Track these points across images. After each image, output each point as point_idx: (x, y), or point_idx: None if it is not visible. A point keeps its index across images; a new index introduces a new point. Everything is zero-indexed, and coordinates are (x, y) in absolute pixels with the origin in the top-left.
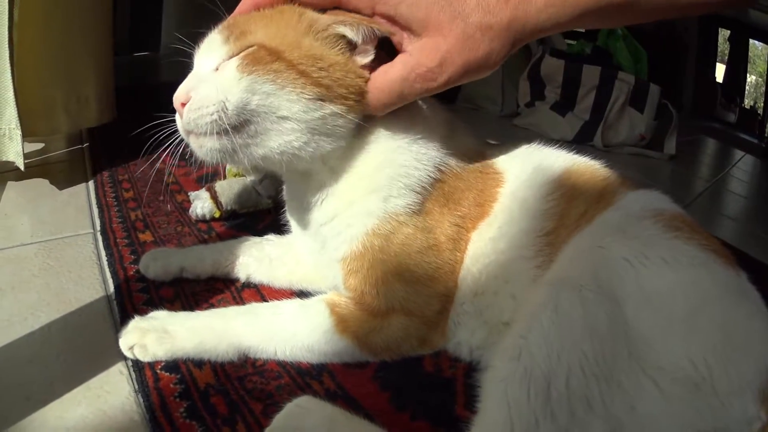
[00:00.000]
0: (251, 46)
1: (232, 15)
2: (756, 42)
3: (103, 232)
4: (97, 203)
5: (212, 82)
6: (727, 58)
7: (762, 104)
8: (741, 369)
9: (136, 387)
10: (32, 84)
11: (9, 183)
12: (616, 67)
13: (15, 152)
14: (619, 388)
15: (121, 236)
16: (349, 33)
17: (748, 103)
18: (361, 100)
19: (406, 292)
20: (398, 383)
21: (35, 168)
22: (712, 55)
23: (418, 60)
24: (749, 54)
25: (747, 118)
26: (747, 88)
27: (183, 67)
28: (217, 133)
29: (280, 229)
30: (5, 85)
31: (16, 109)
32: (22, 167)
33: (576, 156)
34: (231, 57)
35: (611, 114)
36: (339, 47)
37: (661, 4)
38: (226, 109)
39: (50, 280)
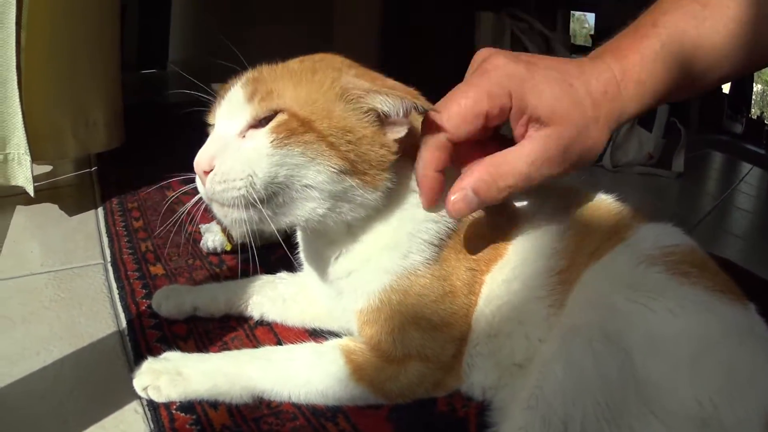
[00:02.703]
0: (279, 111)
1: (257, 69)
2: None
3: (114, 264)
4: (107, 232)
5: (238, 152)
6: None
7: None
8: (747, 404)
9: (152, 427)
10: (40, 109)
11: (18, 207)
12: None
13: (24, 177)
14: (630, 430)
15: (132, 268)
16: (386, 107)
17: (755, 113)
18: (383, 171)
19: (422, 339)
20: (412, 423)
21: (44, 192)
22: None
23: (545, 146)
24: None
25: (754, 128)
26: (753, 97)
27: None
28: (245, 205)
29: (292, 264)
30: (14, 110)
31: (24, 134)
32: (31, 193)
33: (590, 191)
34: (256, 119)
35: (620, 134)
36: (369, 117)
37: (709, 82)
38: (255, 184)
39: (61, 313)
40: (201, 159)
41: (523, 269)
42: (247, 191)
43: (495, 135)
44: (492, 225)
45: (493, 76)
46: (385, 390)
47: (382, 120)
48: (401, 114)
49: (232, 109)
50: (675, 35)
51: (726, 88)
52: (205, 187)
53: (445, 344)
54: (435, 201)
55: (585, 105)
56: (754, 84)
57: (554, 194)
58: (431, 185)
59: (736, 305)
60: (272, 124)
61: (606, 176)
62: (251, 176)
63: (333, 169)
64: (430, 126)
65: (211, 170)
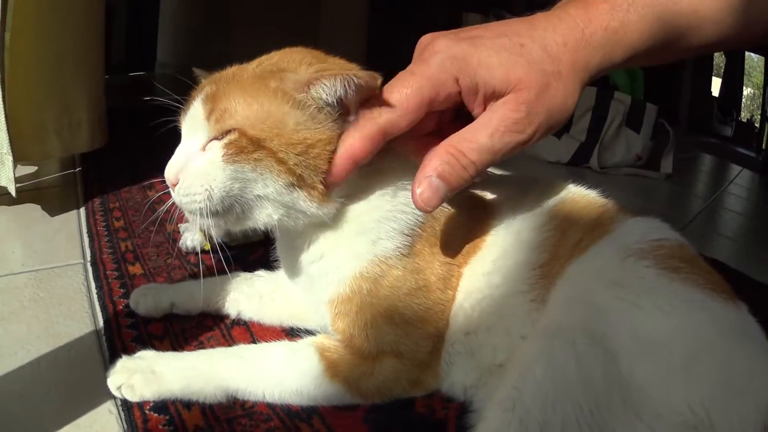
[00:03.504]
0: (233, 129)
1: (216, 80)
2: (752, 54)
3: (93, 264)
4: (87, 232)
5: (198, 167)
6: (723, 71)
7: (759, 117)
8: (742, 409)
9: (125, 427)
10: (24, 108)
11: (1, 208)
12: (612, 87)
13: (7, 178)
14: None
15: (111, 268)
16: (327, 94)
17: (744, 116)
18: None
19: (396, 335)
20: (389, 425)
21: (28, 193)
22: (708, 69)
23: (504, 113)
24: (745, 66)
25: (744, 131)
26: (743, 100)
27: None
28: (206, 215)
29: (271, 263)
30: None
31: (7, 134)
32: (13, 193)
33: (570, 185)
34: (214, 138)
35: (607, 135)
36: (325, 115)
37: (694, 45)
38: (212, 198)
39: (40, 313)
40: (168, 173)
41: (504, 262)
42: (205, 204)
43: (456, 121)
44: (470, 217)
45: (435, 62)
46: (361, 388)
47: (343, 106)
48: (349, 94)
49: (194, 126)
50: None
51: (715, 90)
52: (175, 196)
53: (420, 341)
54: (337, 185)
55: (542, 62)
56: (744, 87)
57: (535, 187)
58: (341, 171)
59: (730, 304)
60: (224, 140)
61: (593, 177)
62: (208, 190)
63: (282, 183)
64: (368, 113)
65: (177, 183)
